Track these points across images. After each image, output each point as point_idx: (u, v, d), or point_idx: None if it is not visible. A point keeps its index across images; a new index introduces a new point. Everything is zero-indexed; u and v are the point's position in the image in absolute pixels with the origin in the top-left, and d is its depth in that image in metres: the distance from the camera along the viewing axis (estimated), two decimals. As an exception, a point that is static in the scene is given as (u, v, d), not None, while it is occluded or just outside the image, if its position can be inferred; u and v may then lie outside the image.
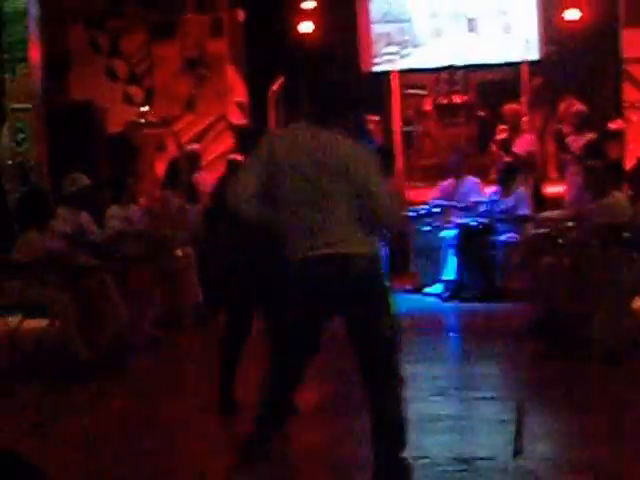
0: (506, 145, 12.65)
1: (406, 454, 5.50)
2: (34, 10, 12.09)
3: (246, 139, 13.04)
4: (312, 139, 5.08)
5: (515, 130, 13.09)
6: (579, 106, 13.27)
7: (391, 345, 5.13)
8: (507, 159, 12.28)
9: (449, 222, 11.96)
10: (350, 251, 5.02)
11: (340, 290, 5.07)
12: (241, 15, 15.22)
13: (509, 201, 11.56)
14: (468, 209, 11.97)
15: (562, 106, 13.79)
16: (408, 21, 16.02)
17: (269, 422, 5.39)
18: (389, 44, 16.13)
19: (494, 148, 13.63)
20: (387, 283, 5.37)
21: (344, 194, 5.01)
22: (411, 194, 12.88)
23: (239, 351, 6.99)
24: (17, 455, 2.46)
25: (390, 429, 5.12)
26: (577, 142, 12.28)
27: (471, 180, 12.32)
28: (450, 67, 15.49)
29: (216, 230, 7.19)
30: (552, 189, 12.94)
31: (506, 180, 11.60)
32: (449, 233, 11.77)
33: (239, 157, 12.00)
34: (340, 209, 5.01)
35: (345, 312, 5.14)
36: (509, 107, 13.53)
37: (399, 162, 14.48)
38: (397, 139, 14.96)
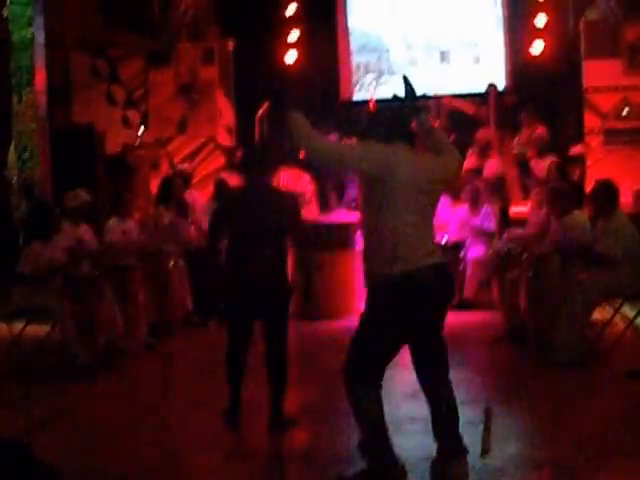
0: (476, 171, 12.60)
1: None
2: (40, 39, 12.10)
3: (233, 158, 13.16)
4: (422, 156, 5.56)
5: (484, 154, 13.09)
6: (541, 132, 13.34)
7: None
8: (476, 181, 12.27)
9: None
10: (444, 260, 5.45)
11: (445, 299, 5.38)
12: (231, 45, 15.27)
13: (477, 219, 11.59)
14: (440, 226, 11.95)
15: (526, 132, 13.85)
16: (385, 52, 16.10)
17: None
18: (367, 73, 16.20)
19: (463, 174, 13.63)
20: None
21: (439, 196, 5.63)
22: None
23: (243, 365, 6.71)
24: (29, 447, 2.47)
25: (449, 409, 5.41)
26: (539, 165, 12.33)
27: (442, 199, 12.30)
28: (424, 95, 15.52)
29: (216, 245, 6.98)
30: (517, 209, 12.96)
31: (474, 200, 11.64)
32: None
33: (228, 176, 12.14)
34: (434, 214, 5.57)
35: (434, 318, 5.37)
36: (480, 133, 13.57)
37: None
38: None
